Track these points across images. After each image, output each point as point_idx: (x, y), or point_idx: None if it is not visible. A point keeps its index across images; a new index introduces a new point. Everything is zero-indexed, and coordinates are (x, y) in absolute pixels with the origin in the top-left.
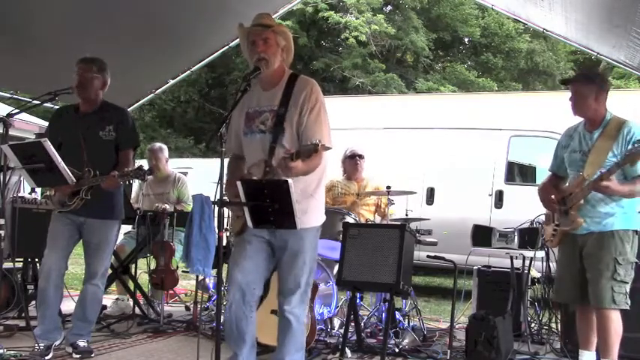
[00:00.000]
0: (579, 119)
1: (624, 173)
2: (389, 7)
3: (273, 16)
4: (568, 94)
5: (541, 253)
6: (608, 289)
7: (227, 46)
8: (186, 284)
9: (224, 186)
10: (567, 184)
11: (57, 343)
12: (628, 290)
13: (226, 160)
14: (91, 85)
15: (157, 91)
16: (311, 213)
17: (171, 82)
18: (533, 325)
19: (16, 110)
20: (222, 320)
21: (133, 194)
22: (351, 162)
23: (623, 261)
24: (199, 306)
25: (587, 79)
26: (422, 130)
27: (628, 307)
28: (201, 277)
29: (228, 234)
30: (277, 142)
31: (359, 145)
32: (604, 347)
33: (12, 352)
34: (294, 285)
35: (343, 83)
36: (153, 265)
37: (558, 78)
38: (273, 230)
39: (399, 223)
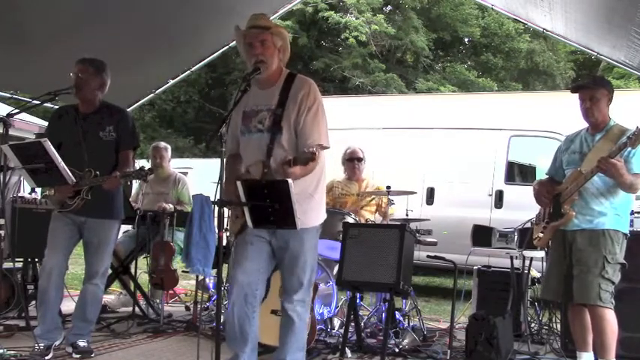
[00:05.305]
0: (578, 122)
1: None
2: (389, 7)
3: (273, 16)
4: (568, 94)
5: (541, 253)
6: (595, 286)
7: (227, 46)
8: (186, 284)
9: (223, 186)
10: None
11: (57, 343)
12: (613, 291)
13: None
14: (87, 85)
15: (157, 91)
16: (311, 213)
17: (171, 82)
18: (533, 325)
19: (16, 110)
20: (222, 320)
21: (133, 194)
22: (350, 164)
23: (612, 260)
24: (199, 306)
25: (600, 84)
26: (422, 130)
27: (612, 307)
28: (201, 277)
29: (228, 234)
30: (275, 141)
31: (358, 147)
32: (601, 348)
33: (12, 352)
34: (298, 284)
35: (343, 83)
36: (151, 265)
37: (558, 78)
38: (274, 230)
39: (399, 223)
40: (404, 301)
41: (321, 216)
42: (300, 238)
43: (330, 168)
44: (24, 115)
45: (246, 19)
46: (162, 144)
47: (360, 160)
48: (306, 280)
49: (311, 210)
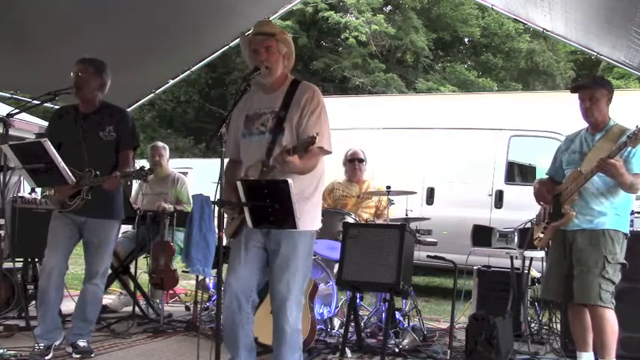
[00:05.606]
0: (578, 122)
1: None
2: (389, 7)
3: (273, 17)
4: (568, 94)
5: (541, 253)
6: (596, 286)
7: (227, 46)
8: (186, 284)
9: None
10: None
11: (57, 343)
12: (614, 291)
13: (226, 161)
14: (87, 85)
15: (157, 91)
16: (306, 216)
17: (171, 82)
18: (533, 325)
19: (16, 110)
20: (222, 320)
21: (133, 194)
22: (351, 165)
23: (613, 260)
24: (199, 306)
25: (600, 84)
26: (422, 130)
27: (613, 307)
28: (201, 277)
29: None
30: (276, 142)
31: (359, 149)
32: (601, 347)
33: (12, 352)
34: (287, 291)
35: (343, 83)
36: (151, 265)
37: (558, 78)
38: (268, 233)
39: (399, 223)
40: (404, 301)
41: (317, 221)
42: (292, 242)
43: (331, 169)
44: (24, 115)
45: (245, 19)
46: (161, 143)
47: (361, 161)
48: (296, 287)
49: (307, 213)
